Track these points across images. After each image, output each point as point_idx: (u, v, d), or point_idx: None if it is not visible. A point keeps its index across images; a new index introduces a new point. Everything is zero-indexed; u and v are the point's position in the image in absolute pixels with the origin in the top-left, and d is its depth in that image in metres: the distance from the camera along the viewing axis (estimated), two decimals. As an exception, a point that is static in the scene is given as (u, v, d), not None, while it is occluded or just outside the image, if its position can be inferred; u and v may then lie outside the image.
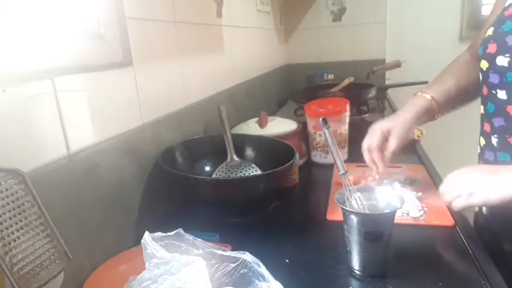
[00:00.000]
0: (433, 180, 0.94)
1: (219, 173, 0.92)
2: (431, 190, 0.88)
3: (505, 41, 0.66)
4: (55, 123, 0.57)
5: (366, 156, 0.83)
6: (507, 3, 0.70)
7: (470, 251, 0.65)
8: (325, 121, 0.72)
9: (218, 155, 0.95)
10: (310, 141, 1.15)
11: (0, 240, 0.41)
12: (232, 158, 0.93)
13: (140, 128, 0.80)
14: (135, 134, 0.77)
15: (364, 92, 1.55)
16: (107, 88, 0.70)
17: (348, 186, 0.64)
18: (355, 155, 1.16)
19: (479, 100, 0.78)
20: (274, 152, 0.94)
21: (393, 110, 1.82)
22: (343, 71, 2.10)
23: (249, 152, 0.99)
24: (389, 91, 2.13)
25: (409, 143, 0.87)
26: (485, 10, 2.32)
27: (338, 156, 0.68)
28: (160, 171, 0.79)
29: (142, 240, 0.47)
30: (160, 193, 0.85)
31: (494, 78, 0.69)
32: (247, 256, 0.49)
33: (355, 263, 0.61)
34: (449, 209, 0.78)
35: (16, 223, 0.43)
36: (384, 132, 0.81)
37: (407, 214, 0.77)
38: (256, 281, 0.47)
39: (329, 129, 0.71)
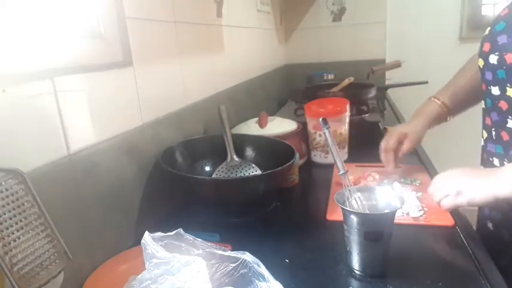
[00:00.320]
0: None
1: (219, 173, 0.92)
2: (431, 190, 0.88)
3: (496, 40, 0.69)
4: (55, 124, 0.57)
5: (382, 156, 0.94)
6: (505, 4, 0.73)
7: (470, 251, 0.65)
8: (325, 121, 0.72)
9: (218, 155, 0.95)
10: (310, 141, 1.15)
11: (0, 240, 0.41)
12: (232, 158, 0.93)
13: (140, 128, 0.80)
14: (135, 134, 0.77)
15: (364, 92, 1.55)
16: (107, 88, 0.70)
17: (348, 186, 0.64)
18: (355, 155, 1.16)
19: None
20: (274, 152, 0.94)
21: (393, 110, 1.83)
22: (343, 71, 2.10)
23: (249, 152, 0.99)
24: (389, 91, 2.13)
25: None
26: (485, 10, 2.32)
27: (338, 156, 0.68)
28: (160, 171, 0.79)
29: (142, 240, 0.47)
30: (160, 193, 0.85)
31: (488, 75, 0.73)
32: (247, 256, 0.49)
33: (355, 263, 0.61)
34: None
35: (16, 223, 0.43)
36: (400, 137, 0.91)
37: (407, 214, 0.77)
38: (256, 281, 0.47)
39: (329, 129, 0.71)
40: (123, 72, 0.74)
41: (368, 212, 0.63)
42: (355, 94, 1.54)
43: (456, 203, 0.69)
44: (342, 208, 0.60)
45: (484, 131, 0.79)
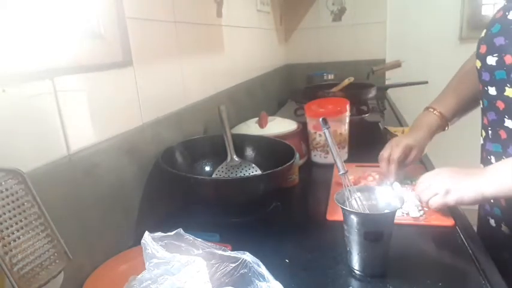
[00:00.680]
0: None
1: (219, 173, 0.92)
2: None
3: (493, 42, 0.71)
4: (55, 124, 0.57)
5: (384, 165, 0.92)
6: (499, 6, 0.75)
7: (470, 251, 0.65)
8: (325, 121, 0.72)
9: (218, 155, 0.95)
10: (310, 141, 1.15)
11: (0, 240, 0.41)
12: (232, 158, 0.93)
13: (140, 128, 0.80)
14: (135, 134, 0.77)
15: (364, 92, 1.55)
16: (107, 88, 0.70)
17: (348, 186, 0.64)
18: (355, 155, 1.16)
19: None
20: (274, 152, 0.94)
21: (393, 110, 1.83)
22: (343, 71, 2.10)
23: (249, 152, 0.99)
24: (389, 91, 2.12)
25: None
26: (485, 10, 2.32)
27: (338, 156, 0.68)
28: (160, 171, 0.79)
29: (142, 240, 0.47)
30: (160, 193, 0.85)
31: (485, 76, 0.74)
32: (247, 256, 0.49)
33: (355, 263, 0.61)
34: (450, 209, 0.79)
35: (16, 223, 0.43)
36: (406, 149, 0.90)
37: (407, 214, 0.77)
38: (256, 281, 0.47)
39: (329, 129, 0.71)
40: (123, 72, 0.74)
41: (368, 212, 0.63)
42: (355, 94, 1.54)
43: (445, 202, 0.70)
44: (342, 208, 0.60)
45: (482, 130, 0.80)
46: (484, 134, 0.80)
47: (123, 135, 0.74)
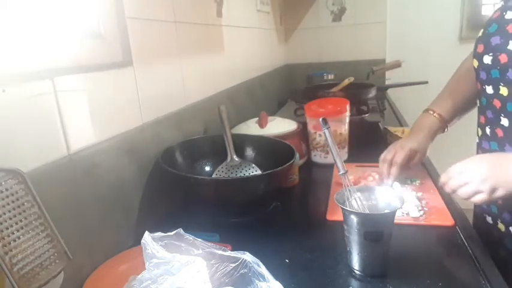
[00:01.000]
0: (433, 180, 0.94)
1: (219, 173, 0.92)
2: (431, 190, 0.88)
3: (490, 41, 0.72)
4: (55, 123, 0.57)
5: (384, 167, 0.90)
6: (496, 7, 0.76)
7: (470, 251, 0.65)
8: (325, 121, 0.72)
9: (218, 155, 0.95)
10: (310, 141, 1.15)
11: (0, 240, 0.41)
12: (232, 158, 0.93)
13: (140, 128, 0.80)
14: (135, 134, 0.77)
15: (364, 92, 1.55)
16: (107, 88, 0.70)
17: (348, 186, 0.64)
18: (355, 155, 1.16)
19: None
20: (274, 152, 0.94)
21: (393, 110, 1.83)
22: (343, 71, 2.10)
23: (249, 152, 0.99)
24: (389, 91, 2.12)
25: None
26: (485, 10, 2.32)
27: (338, 156, 0.68)
28: (160, 171, 0.79)
29: (142, 240, 0.47)
30: (160, 193, 0.85)
31: (483, 75, 0.75)
32: (247, 256, 0.49)
33: (355, 263, 0.61)
34: (450, 208, 0.79)
35: (16, 223, 0.43)
36: (410, 153, 0.89)
37: (407, 214, 0.77)
38: (256, 281, 0.47)
39: (329, 129, 0.71)
40: (123, 72, 0.74)
41: (368, 212, 0.63)
42: (355, 94, 1.54)
43: (494, 197, 0.64)
44: (342, 208, 0.60)
45: (478, 129, 0.81)
46: (480, 132, 0.80)
47: (123, 135, 0.74)
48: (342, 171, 0.67)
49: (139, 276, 0.45)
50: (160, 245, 0.46)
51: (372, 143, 1.28)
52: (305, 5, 2.30)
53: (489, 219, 0.79)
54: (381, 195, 0.64)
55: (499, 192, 0.63)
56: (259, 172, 0.92)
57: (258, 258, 0.49)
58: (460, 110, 0.93)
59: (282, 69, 2.29)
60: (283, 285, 0.45)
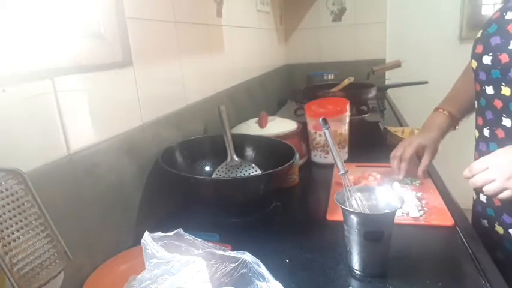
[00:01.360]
0: (433, 180, 0.94)
1: (219, 173, 0.92)
2: (431, 190, 0.88)
3: (489, 42, 0.72)
4: (55, 123, 0.57)
5: (395, 163, 0.94)
6: (496, 8, 0.76)
7: (470, 251, 0.65)
8: (325, 121, 0.72)
9: (218, 155, 0.95)
10: (310, 141, 1.15)
11: (0, 240, 0.41)
12: (232, 158, 0.93)
13: (140, 128, 0.80)
14: (135, 134, 0.77)
15: (364, 92, 1.55)
16: (107, 88, 0.70)
17: (348, 186, 0.64)
18: (355, 155, 1.16)
19: None
20: (274, 152, 0.94)
21: (393, 110, 1.82)
22: (343, 71, 2.10)
23: (249, 152, 0.99)
24: (389, 91, 2.12)
25: None
26: (485, 10, 2.32)
27: (338, 156, 0.68)
28: (160, 171, 0.79)
29: (142, 240, 0.47)
30: (160, 193, 0.85)
31: (482, 76, 0.75)
32: (247, 256, 0.49)
33: (355, 263, 0.61)
34: (450, 209, 0.79)
35: (16, 223, 0.43)
36: (418, 148, 0.92)
37: (407, 214, 0.77)
38: (256, 281, 0.47)
39: (329, 129, 0.71)
40: (123, 72, 0.74)
41: (368, 212, 0.63)
42: (355, 94, 1.54)
43: None
44: (342, 208, 0.60)
45: (476, 131, 0.81)
46: (477, 134, 0.80)
47: (123, 135, 0.74)
48: (342, 171, 0.67)
49: (139, 276, 0.45)
50: (160, 245, 0.46)
51: (372, 143, 1.28)
52: (305, 5, 2.30)
53: (485, 222, 0.79)
54: (381, 195, 0.64)
55: None
56: (259, 172, 0.92)
57: (258, 258, 0.49)
58: (469, 108, 0.93)
59: (282, 69, 2.29)
60: (283, 285, 0.45)
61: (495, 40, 0.71)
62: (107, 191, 0.68)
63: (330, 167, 1.05)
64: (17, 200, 0.44)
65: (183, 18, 0.99)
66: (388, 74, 2.14)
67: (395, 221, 0.60)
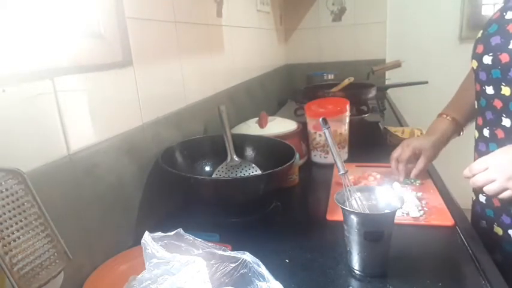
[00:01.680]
0: (433, 180, 0.94)
1: (219, 173, 0.92)
2: (431, 190, 0.89)
3: (489, 41, 0.72)
4: (55, 123, 0.57)
5: (393, 164, 0.95)
6: (497, 8, 0.76)
7: (470, 251, 0.65)
8: (325, 121, 0.72)
9: (218, 155, 0.95)
10: (310, 141, 1.15)
11: (0, 240, 0.41)
12: (232, 158, 0.93)
13: (140, 128, 0.80)
14: (135, 134, 0.77)
15: (364, 92, 1.55)
16: (107, 88, 0.70)
17: (348, 186, 0.64)
18: (355, 155, 1.16)
19: None
20: (274, 152, 0.94)
21: (393, 110, 1.82)
22: (343, 71, 2.10)
23: (249, 152, 0.99)
24: (389, 91, 2.12)
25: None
26: (485, 10, 2.32)
27: (338, 156, 0.68)
28: (160, 171, 0.79)
29: (142, 240, 0.47)
30: (160, 193, 0.85)
31: (482, 76, 0.75)
32: (247, 256, 0.49)
33: (355, 263, 0.61)
34: (449, 209, 0.79)
35: (16, 223, 0.43)
36: (414, 151, 0.92)
37: (407, 214, 0.77)
38: (256, 281, 0.47)
39: (329, 129, 0.71)
40: (123, 72, 0.74)
41: (368, 212, 0.63)
42: (355, 94, 1.54)
43: None
44: (342, 208, 0.60)
45: (476, 131, 0.81)
46: (477, 134, 0.80)
47: (123, 135, 0.74)
48: (342, 171, 0.67)
49: (139, 276, 0.45)
50: (160, 245, 0.46)
51: (371, 143, 1.28)
52: (305, 5, 2.30)
53: (484, 223, 0.79)
54: (381, 195, 0.64)
55: None
56: (259, 172, 0.92)
57: (258, 258, 0.49)
58: (474, 113, 0.91)
59: (281, 69, 2.29)
60: (283, 285, 0.45)
61: (495, 40, 0.71)
62: (106, 191, 0.68)
63: (330, 167, 1.05)
64: (17, 200, 0.44)
65: (183, 18, 0.99)
66: (388, 74, 2.14)
67: (396, 221, 0.60)
